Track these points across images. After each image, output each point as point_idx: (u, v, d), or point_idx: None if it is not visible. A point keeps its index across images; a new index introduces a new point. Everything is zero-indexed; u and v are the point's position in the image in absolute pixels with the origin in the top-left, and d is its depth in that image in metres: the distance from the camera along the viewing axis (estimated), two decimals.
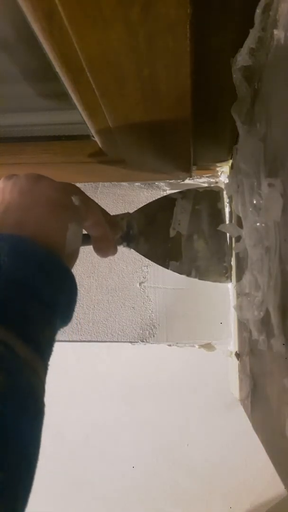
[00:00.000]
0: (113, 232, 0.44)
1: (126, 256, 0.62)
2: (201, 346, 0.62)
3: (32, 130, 0.49)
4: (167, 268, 0.52)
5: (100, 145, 0.46)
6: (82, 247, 0.36)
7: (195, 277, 0.52)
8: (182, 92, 0.34)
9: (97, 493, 0.93)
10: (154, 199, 0.55)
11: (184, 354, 0.69)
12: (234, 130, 0.41)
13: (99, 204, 0.39)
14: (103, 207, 0.40)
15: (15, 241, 0.29)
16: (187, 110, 0.37)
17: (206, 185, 0.62)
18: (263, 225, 0.33)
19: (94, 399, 0.89)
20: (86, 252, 0.63)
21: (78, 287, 0.32)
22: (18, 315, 0.26)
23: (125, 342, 0.62)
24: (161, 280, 0.62)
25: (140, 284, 0.62)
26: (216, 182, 0.61)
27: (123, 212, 0.48)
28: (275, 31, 0.28)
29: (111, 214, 0.44)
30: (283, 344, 0.31)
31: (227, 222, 0.55)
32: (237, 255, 0.51)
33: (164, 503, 0.91)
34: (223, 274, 0.54)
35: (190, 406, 0.87)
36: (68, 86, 0.34)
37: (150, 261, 0.52)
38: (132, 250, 0.49)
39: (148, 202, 0.54)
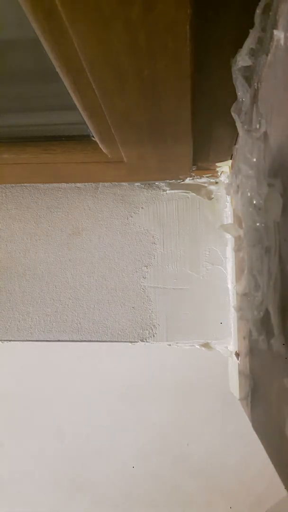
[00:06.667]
0: None
1: (126, 256, 0.62)
2: (201, 345, 0.62)
3: (32, 130, 0.49)
4: None
5: (100, 145, 0.46)
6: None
7: None
8: (182, 92, 0.34)
9: (97, 493, 0.93)
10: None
11: (184, 354, 0.69)
12: (234, 130, 0.41)
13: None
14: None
15: None
16: (187, 110, 0.37)
17: (206, 185, 0.62)
18: (263, 225, 0.33)
19: (94, 399, 0.89)
20: (86, 252, 0.63)
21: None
22: None
23: (125, 342, 0.62)
24: (161, 280, 0.62)
25: (140, 284, 0.62)
26: (216, 182, 0.61)
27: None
28: (275, 31, 0.28)
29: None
30: (283, 344, 0.31)
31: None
32: (237, 255, 0.51)
33: (164, 503, 0.91)
34: None
35: (190, 406, 0.87)
36: (68, 86, 0.34)
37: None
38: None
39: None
